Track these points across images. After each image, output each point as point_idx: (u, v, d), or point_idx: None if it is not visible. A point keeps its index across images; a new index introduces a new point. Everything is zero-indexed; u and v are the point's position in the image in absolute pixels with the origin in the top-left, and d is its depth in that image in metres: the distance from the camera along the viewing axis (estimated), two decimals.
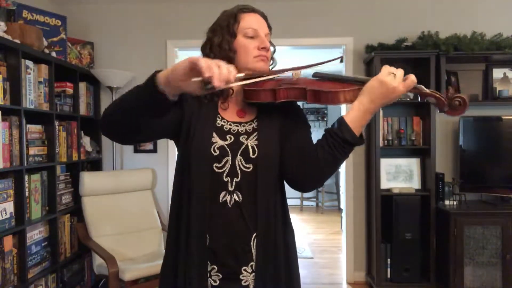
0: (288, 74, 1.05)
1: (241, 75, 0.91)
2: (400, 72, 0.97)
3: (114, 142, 3.36)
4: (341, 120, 0.99)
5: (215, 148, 1.04)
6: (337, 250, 4.51)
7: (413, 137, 3.22)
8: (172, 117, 1.05)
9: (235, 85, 0.84)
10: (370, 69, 3.26)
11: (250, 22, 1.09)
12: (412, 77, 0.97)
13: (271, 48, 1.14)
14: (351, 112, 0.99)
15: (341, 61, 0.90)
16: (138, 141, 1.08)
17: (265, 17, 1.14)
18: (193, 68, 0.80)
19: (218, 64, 0.80)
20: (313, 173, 1.04)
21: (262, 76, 1.02)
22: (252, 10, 1.12)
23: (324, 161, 1.00)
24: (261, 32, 1.09)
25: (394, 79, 0.95)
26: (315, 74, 1.08)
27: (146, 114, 0.92)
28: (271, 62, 1.16)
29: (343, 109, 3.76)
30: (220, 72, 0.79)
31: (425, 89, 0.99)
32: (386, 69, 0.97)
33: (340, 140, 0.98)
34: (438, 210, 3.05)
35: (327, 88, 1.00)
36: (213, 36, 1.10)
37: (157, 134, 1.07)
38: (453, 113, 1.00)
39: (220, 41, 1.08)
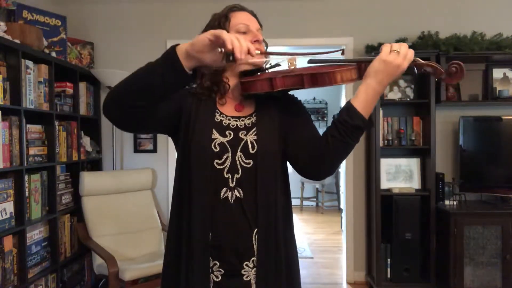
0: (284, 64, 1.06)
1: (258, 52, 0.96)
2: (404, 47, 0.96)
3: (114, 142, 3.36)
4: (349, 106, 0.99)
5: (216, 144, 1.05)
6: (337, 250, 4.51)
7: (413, 137, 3.22)
8: (170, 111, 1.06)
9: (253, 61, 0.91)
10: None
11: (241, 18, 1.11)
12: (411, 51, 0.97)
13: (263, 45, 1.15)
14: (358, 97, 0.98)
15: (342, 53, 0.92)
16: (138, 127, 1.04)
17: (255, 15, 1.15)
18: (215, 41, 0.86)
19: (238, 37, 0.86)
20: (326, 162, 1.05)
21: (276, 55, 1.04)
22: (242, 9, 1.14)
23: (336, 149, 1.01)
24: (252, 27, 1.11)
25: (397, 56, 0.95)
26: (310, 61, 1.08)
27: (164, 88, 0.93)
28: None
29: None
30: (241, 45, 0.85)
31: (421, 60, 0.99)
32: (387, 47, 0.97)
33: (351, 127, 0.98)
34: (438, 210, 3.05)
35: (323, 70, 1.00)
36: None
37: (158, 124, 1.06)
38: (451, 80, 1.00)
39: None
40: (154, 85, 0.92)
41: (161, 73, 0.91)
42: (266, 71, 1.12)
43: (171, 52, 0.90)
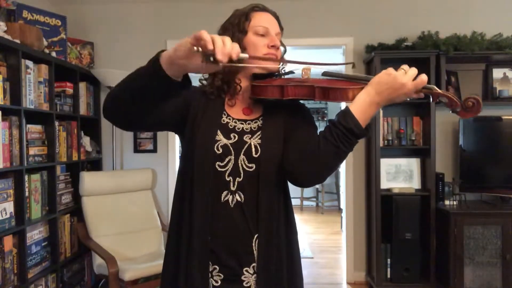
0: (298, 71, 1.04)
1: (245, 55, 0.89)
2: (412, 70, 0.94)
3: (114, 142, 3.36)
4: (346, 110, 0.97)
5: (219, 146, 1.04)
6: (337, 250, 4.51)
7: (413, 137, 3.21)
8: (177, 109, 1.05)
9: (238, 65, 0.83)
10: (370, 69, 3.26)
11: (261, 20, 1.09)
12: (422, 76, 0.93)
13: (282, 49, 1.13)
14: (356, 102, 0.96)
15: (353, 66, 0.90)
16: (141, 127, 1.04)
17: (277, 18, 1.13)
18: (196, 44, 0.79)
19: (223, 39, 0.80)
20: (314, 167, 0.99)
21: (268, 61, 1.00)
22: (264, 9, 1.12)
23: (325, 152, 0.96)
24: (271, 31, 1.09)
25: (404, 74, 0.93)
26: (324, 73, 1.07)
27: (151, 95, 0.90)
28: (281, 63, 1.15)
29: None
30: (223, 46, 0.79)
31: (437, 89, 0.96)
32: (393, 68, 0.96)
33: (344, 130, 0.94)
34: (438, 210, 3.04)
35: (336, 85, 0.99)
36: (224, 33, 1.10)
37: (161, 123, 1.06)
38: (466, 114, 0.97)
39: (230, 37, 1.08)
40: (143, 92, 0.89)
41: (145, 82, 0.88)
42: (280, 76, 1.11)
43: (155, 60, 0.86)
